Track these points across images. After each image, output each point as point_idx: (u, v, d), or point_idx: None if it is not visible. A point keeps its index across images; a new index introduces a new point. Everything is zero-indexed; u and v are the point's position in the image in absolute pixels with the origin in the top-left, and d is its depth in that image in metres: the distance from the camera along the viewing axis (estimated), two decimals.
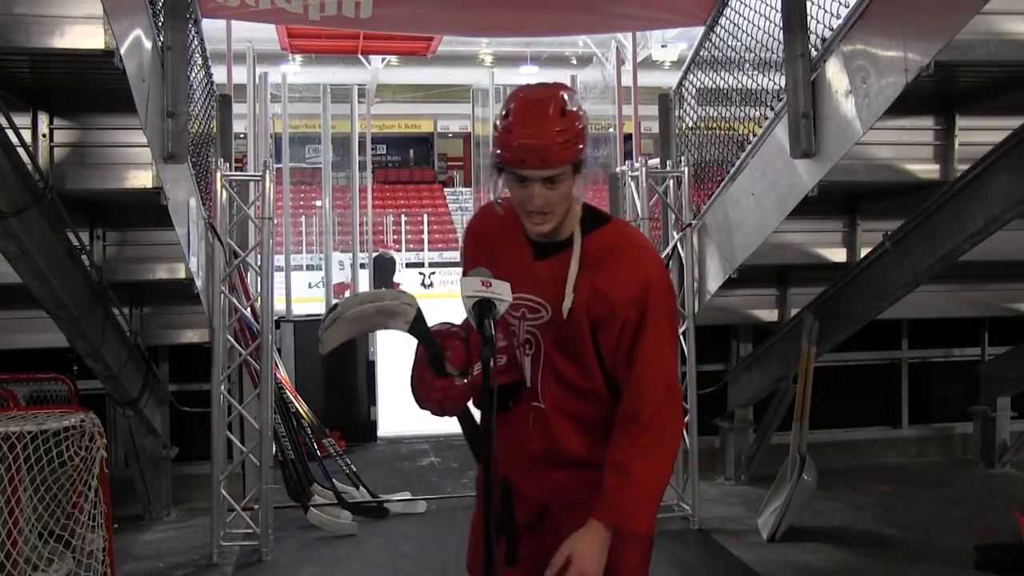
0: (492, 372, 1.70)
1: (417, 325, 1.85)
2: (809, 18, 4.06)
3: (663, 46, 16.46)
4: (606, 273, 1.87)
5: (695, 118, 5.56)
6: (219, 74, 5.73)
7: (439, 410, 1.89)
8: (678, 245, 5.29)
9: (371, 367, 7.35)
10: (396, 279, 17.58)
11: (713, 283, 5.22)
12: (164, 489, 5.41)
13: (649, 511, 1.87)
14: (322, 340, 1.86)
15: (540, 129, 1.78)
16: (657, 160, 5.85)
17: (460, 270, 2.14)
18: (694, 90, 5.55)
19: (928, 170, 4.77)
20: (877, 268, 4.42)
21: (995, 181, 3.64)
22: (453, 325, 1.95)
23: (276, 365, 5.28)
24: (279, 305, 6.76)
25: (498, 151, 1.82)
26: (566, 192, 1.84)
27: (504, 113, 1.82)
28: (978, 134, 4.57)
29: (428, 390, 1.87)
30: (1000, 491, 5.70)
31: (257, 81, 7.29)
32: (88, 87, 3.87)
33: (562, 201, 1.85)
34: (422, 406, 1.91)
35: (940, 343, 6.61)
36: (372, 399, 7.34)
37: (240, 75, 7.02)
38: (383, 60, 19.27)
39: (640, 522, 1.85)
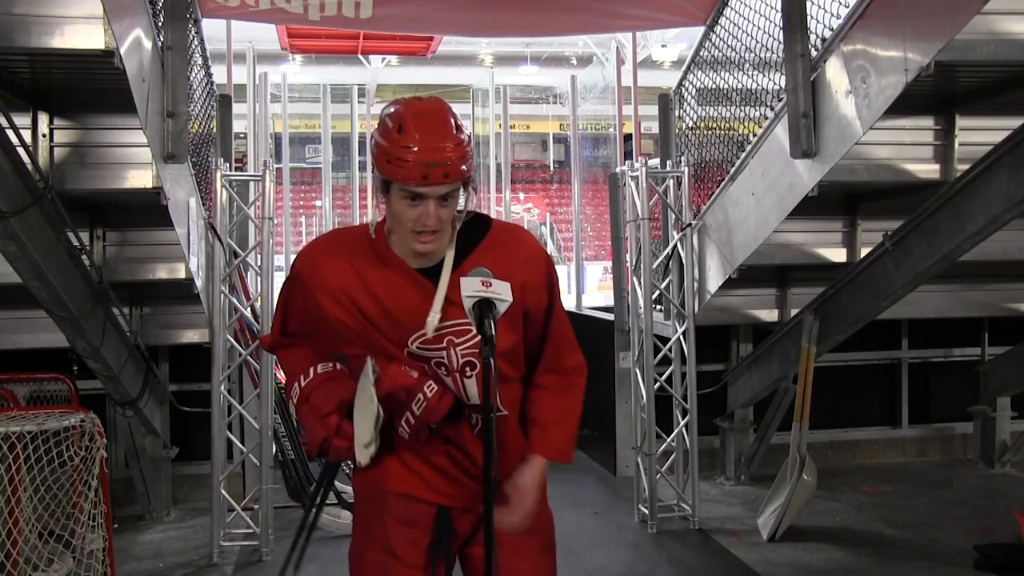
0: (493, 372, 1.70)
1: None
2: (809, 18, 4.06)
3: (663, 46, 16.49)
4: (521, 266, 1.90)
5: (695, 118, 5.56)
6: (219, 74, 5.74)
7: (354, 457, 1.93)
8: (678, 245, 5.30)
9: None
10: None
11: (713, 283, 5.22)
12: (164, 489, 5.41)
13: (573, 446, 2.09)
14: (372, 453, 1.86)
15: (441, 143, 1.73)
16: (657, 160, 5.85)
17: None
18: (694, 90, 5.55)
19: (928, 170, 4.77)
20: (877, 268, 4.42)
21: (995, 181, 3.64)
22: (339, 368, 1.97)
23: (276, 365, 5.28)
24: None
25: (391, 167, 1.73)
26: (455, 209, 1.82)
27: (394, 127, 1.74)
28: (978, 134, 4.57)
29: (351, 439, 1.89)
30: (1000, 491, 5.71)
31: (257, 81, 7.30)
32: (88, 87, 3.87)
33: (451, 218, 1.82)
34: (334, 456, 1.93)
35: (940, 343, 6.62)
36: None
37: (240, 75, 7.03)
38: (383, 60, 19.29)
39: (569, 456, 2.05)
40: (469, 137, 1.80)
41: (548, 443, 2.00)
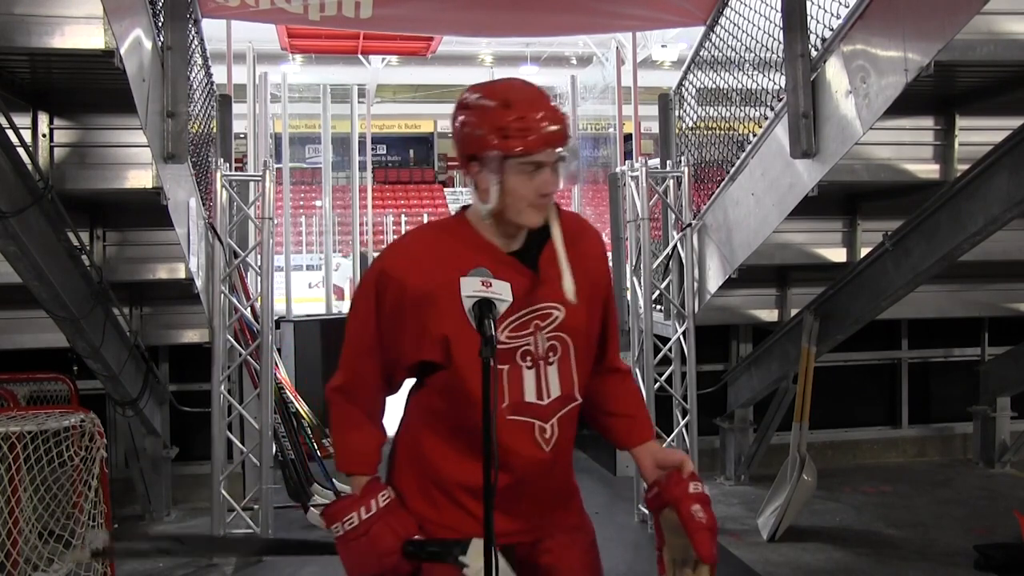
0: (492, 372, 1.69)
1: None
2: (809, 18, 4.06)
3: (663, 46, 16.48)
4: (590, 244, 1.95)
5: (695, 118, 5.56)
6: (219, 74, 5.74)
7: None
8: (678, 245, 5.30)
9: None
10: None
11: (713, 283, 5.22)
12: (164, 489, 5.41)
13: None
14: None
15: (553, 110, 1.78)
16: (657, 160, 5.85)
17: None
18: (694, 90, 5.55)
19: (928, 170, 4.77)
20: (877, 268, 4.42)
21: (995, 181, 3.64)
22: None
23: (276, 365, 5.28)
24: (279, 305, 6.77)
25: (512, 142, 1.73)
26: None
27: (498, 105, 1.75)
28: (978, 134, 4.57)
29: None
30: (1000, 491, 5.71)
31: (257, 81, 7.29)
32: (88, 87, 3.87)
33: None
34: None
35: (940, 343, 6.61)
36: None
37: (240, 75, 7.03)
38: (383, 60, 19.28)
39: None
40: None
41: (648, 429, 2.06)
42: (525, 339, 1.84)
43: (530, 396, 1.85)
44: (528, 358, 1.85)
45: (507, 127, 1.73)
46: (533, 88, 1.82)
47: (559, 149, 1.77)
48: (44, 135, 4.16)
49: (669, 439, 5.24)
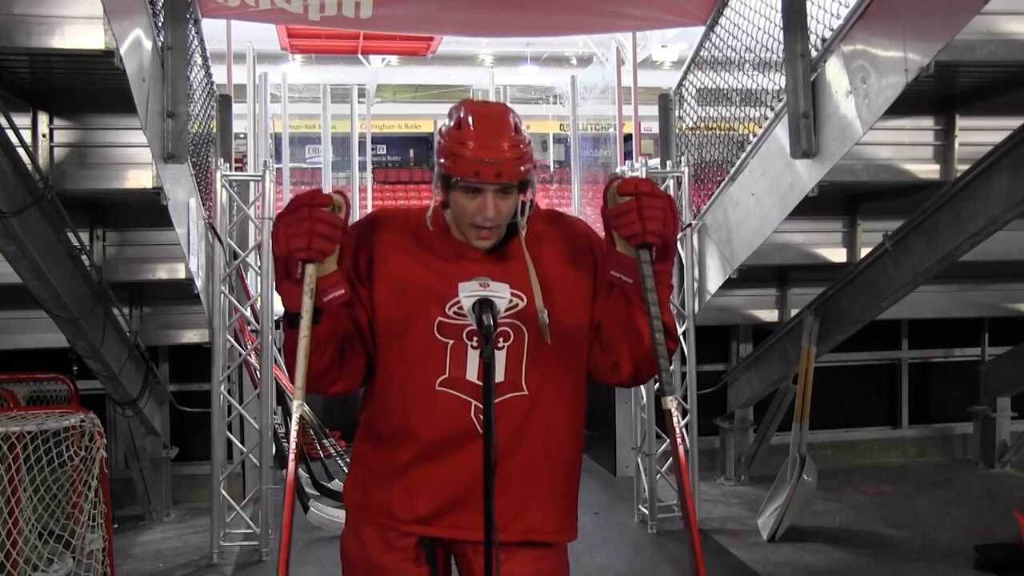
0: (492, 373, 1.69)
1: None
2: (809, 18, 4.06)
3: (663, 46, 16.44)
4: (568, 235, 1.93)
5: (695, 118, 5.55)
6: (219, 74, 5.73)
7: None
8: (678, 245, 5.29)
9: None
10: None
11: (713, 283, 5.22)
12: (164, 489, 5.41)
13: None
14: None
15: (496, 143, 1.75)
16: (657, 160, 5.85)
17: None
18: (694, 90, 5.55)
19: (928, 170, 4.77)
20: (877, 268, 4.42)
21: (995, 181, 3.64)
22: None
23: (276, 365, 5.28)
24: (279, 305, 6.77)
25: (447, 163, 1.75)
26: (514, 203, 1.82)
27: (454, 125, 1.78)
28: (978, 134, 4.57)
29: None
30: (1000, 491, 5.71)
31: (257, 81, 7.29)
32: (88, 87, 3.87)
33: (509, 214, 1.82)
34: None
35: (940, 343, 6.62)
36: None
37: (240, 75, 7.03)
38: (383, 60, 19.25)
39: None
40: (529, 141, 1.81)
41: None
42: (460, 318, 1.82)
43: (471, 375, 1.83)
44: (475, 338, 1.82)
45: (449, 149, 1.76)
46: (496, 118, 1.79)
47: (493, 184, 1.74)
48: (44, 135, 4.16)
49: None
